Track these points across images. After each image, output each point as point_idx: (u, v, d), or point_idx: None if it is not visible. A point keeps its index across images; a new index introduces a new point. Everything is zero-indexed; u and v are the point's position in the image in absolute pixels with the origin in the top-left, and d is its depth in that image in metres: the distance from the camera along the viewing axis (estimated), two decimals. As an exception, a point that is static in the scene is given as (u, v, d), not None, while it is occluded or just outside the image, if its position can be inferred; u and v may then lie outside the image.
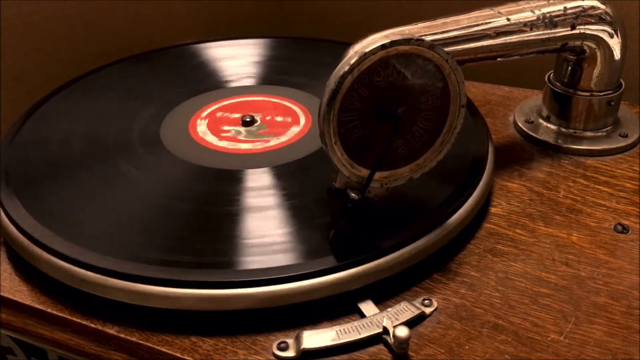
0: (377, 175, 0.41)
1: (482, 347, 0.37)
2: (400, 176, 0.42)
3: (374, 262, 0.39)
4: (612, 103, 0.53)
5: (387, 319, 0.37)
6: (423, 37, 0.39)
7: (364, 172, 0.41)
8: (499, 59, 0.49)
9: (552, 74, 0.56)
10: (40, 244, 0.41)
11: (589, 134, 0.54)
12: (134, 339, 0.38)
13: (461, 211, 0.43)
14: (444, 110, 0.41)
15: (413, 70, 0.39)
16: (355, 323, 0.38)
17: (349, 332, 0.37)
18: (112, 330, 0.39)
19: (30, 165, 0.49)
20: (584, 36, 0.50)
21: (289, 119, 0.54)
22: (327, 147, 0.39)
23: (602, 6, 0.50)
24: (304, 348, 0.36)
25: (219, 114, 0.54)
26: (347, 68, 0.38)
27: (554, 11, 0.49)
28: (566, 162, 0.52)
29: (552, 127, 0.55)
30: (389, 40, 0.38)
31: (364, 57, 0.38)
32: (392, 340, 0.36)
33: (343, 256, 0.39)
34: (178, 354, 0.37)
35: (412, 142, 0.42)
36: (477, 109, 0.55)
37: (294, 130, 0.52)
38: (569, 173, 0.51)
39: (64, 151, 0.50)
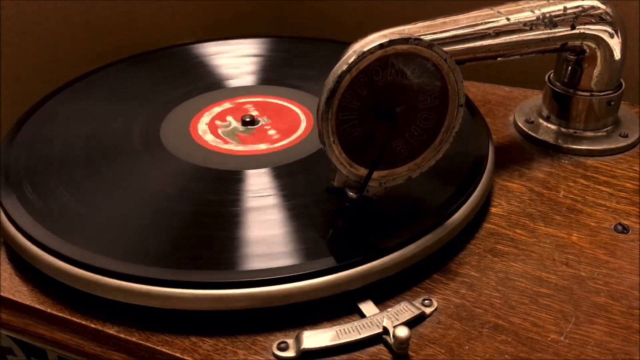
0: (376, 174, 0.41)
1: (482, 347, 0.37)
2: (398, 175, 0.42)
3: (374, 262, 0.39)
4: (612, 103, 0.53)
5: (387, 319, 0.37)
6: (422, 37, 0.39)
7: (362, 171, 0.41)
8: (499, 58, 0.49)
9: (552, 74, 0.56)
10: (40, 244, 0.41)
11: (589, 134, 0.54)
12: (133, 339, 0.38)
13: (461, 211, 0.43)
14: (443, 110, 0.41)
15: (412, 69, 0.39)
16: (355, 323, 0.38)
17: (349, 332, 0.37)
18: (112, 330, 0.39)
19: (31, 165, 0.49)
20: (583, 36, 0.50)
21: (289, 119, 0.54)
22: (326, 146, 0.39)
23: (602, 6, 0.50)
24: (304, 348, 0.36)
25: (219, 114, 0.54)
26: (345, 67, 0.38)
27: (553, 11, 0.49)
28: (566, 162, 0.52)
29: (552, 127, 0.55)
30: (387, 40, 0.38)
31: (362, 56, 0.38)
32: (392, 340, 0.36)
33: (343, 256, 0.39)
34: (178, 354, 0.37)
35: (411, 141, 0.42)
36: (477, 109, 0.55)
37: (294, 130, 0.52)
38: (569, 173, 0.51)
39: (64, 151, 0.50)
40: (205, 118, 0.54)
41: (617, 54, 0.51)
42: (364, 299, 0.39)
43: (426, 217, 0.43)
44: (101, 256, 0.40)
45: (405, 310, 0.38)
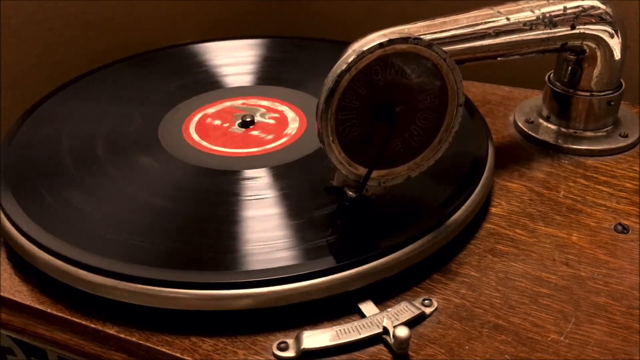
0: (375, 173, 0.41)
1: (482, 347, 0.37)
2: (397, 175, 0.42)
3: (374, 262, 0.39)
4: (612, 103, 0.53)
5: (387, 319, 0.37)
6: (421, 36, 0.39)
7: (362, 171, 0.41)
8: (499, 58, 0.49)
9: (552, 74, 0.56)
10: (40, 244, 0.41)
11: (589, 134, 0.54)
12: (134, 339, 0.38)
13: (461, 211, 0.43)
14: (442, 109, 0.41)
15: (411, 69, 0.39)
16: (355, 323, 0.38)
17: (349, 332, 0.37)
18: (112, 330, 0.39)
19: (30, 165, 0.49)
20: (583, 36, 0.50)
21: (289, 119, 0.54)
22: (325, 145, 0.39)
23: (603, 6, 0.50)
24: (304, 348, 0.36)
25: (218, 115, 0.54)
26: (344, 66, 0.38)
27: (553, 11, 0.49)
28: (566, 162, 0.52)
29: (552, 127, 0.55)
30: (386, 39, 0.38)
31: (362, 55, 0.38)
32: (392, 340, 0.36)
33: (343, 256, 0.39)
34: (178, 354, 0.37)
35: (410, 141, 0.42)
36: (477, 109, 0.55)
37: (293, 130, 0.52)
38: (569, 173, 0.51)
39: (64, 151, 0.50)
40: (205, 118, 0.54)
41: (617, 54, 0.51)
42: (364, 299, 0.39)
43: (426, 217, 0.43)
44: (101, 256, 0.40)
45: (405, 310, 0.38)
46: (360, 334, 0.37)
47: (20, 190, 0.46)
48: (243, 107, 0.55)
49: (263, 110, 0.55)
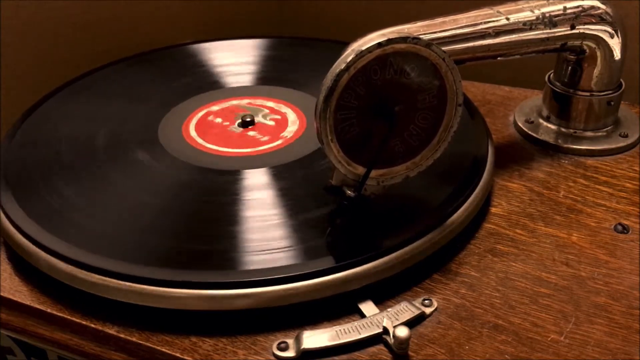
0: (374, 173, 0.41)
1: (482, 347, 0.37)
2: (396, 174, 0.42)
3: (374, 262, 0.39)
4: (612, 103, 0.53)
5: (387, 319, 0.37)
6: (420, 36, 0.39)
7: (360, 170, 0.41)
8: (499, 58, 0.49)
9: (552, 74, 0.56)
10: (40, 244, 0.41)
11: (589, 134, 0.54)
12: (133, 339, 0.38)
13: (461, 211, 0.43)
14: (441, 109, 0.41)
15: (410, 68, 0.39)
16: (355, 323, 0.38)
17: (349, 332, 0.37)
18: (112, 330, 0.39)
19: (30, 165, 0.49)
20: (583, 36, 0.50)
21: (288, 119, 0.54)
22: (324, 144, 0.39)
23: (603, 6, 0.50)
24: (304, 348, 0.36)
25: (218, 114, 0.54)
26: (343, 66, 0.38)
27: (553, 11, 0.49)
28: (566, 162, 0.52)
29: (552, 127, 0.55)
30: (385, 39, 0.38)
31: (361, 54, 0.38)
32: (392, 340, 0.36)
33: (343, 256, 0.39)
34: (178, 354, 0.37)
35: (409, 140, 0.42)
36: (477, 109, 0.55)
37: (293, 130, 0.52)
38: (569, 173, 0.51)
39: (64, 151, 0.50)
40: (205, 118, 0.54)
41: (617, 54, 0.51)
42: (364, 299, 0.39)
43: (426, 217, 0.43)
44: (101, 256, 0.40)
45: (405, 310, 0.38)
46: (360, 334, 0.37)
47: (20, 190, 0.46)
48: (243, 107, 0.55)
49: (265, 110, 0.55)
